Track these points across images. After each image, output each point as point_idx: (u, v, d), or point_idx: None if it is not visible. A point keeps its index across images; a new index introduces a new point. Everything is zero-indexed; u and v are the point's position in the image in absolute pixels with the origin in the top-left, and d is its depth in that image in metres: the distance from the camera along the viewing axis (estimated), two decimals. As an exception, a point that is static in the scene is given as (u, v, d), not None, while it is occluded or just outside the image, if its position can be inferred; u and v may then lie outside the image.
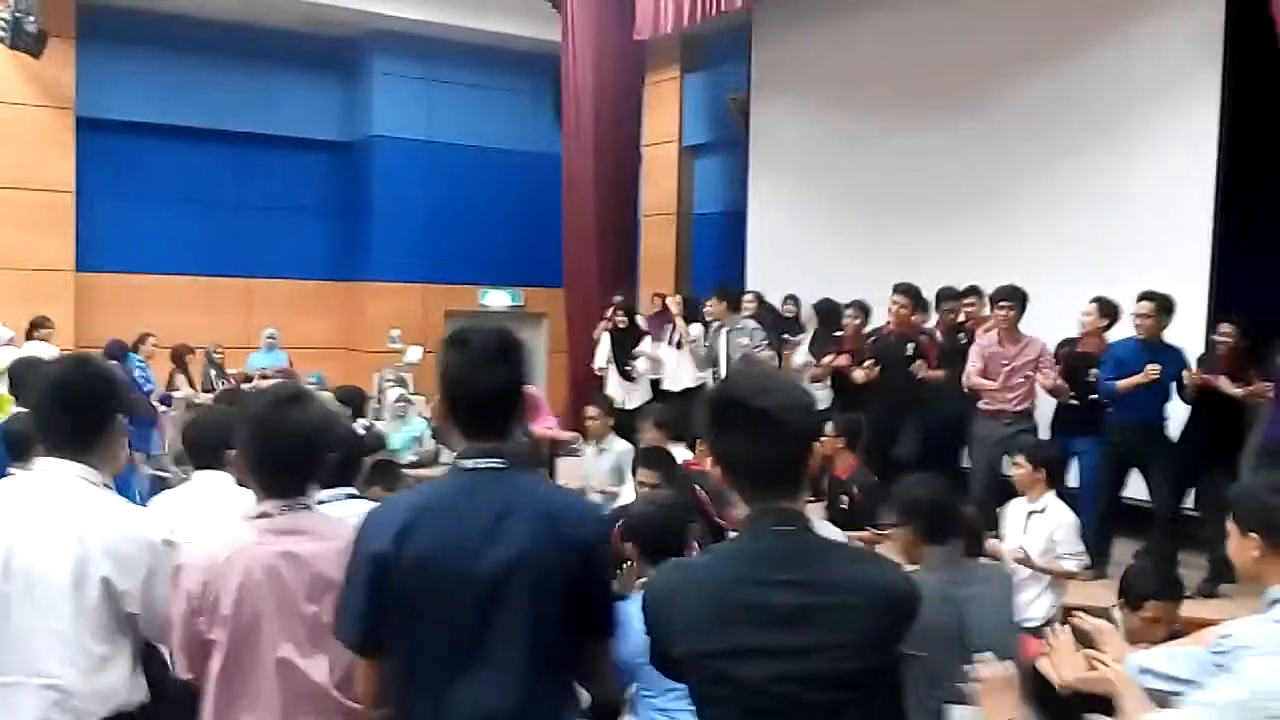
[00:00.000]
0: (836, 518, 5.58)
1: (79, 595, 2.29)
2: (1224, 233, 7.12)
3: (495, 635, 2.03)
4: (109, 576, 2.31)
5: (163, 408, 9.71)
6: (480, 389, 2.13)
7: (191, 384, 10.25)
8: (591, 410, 7.12)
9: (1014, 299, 6.71)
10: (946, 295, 7.66)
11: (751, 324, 8.26)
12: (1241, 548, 2.44)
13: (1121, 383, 6.31)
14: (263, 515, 2.34)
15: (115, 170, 12.02)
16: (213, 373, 10.60)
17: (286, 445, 2.32)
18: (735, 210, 11.72)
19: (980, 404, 6.89)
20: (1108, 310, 6.72)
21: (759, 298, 9.38)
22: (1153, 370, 6.16)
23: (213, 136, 12.57)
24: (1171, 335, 6.50)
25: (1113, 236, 7.66)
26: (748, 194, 11.10)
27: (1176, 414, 6.53)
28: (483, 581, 2.03)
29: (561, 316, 12.28)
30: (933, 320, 7.68)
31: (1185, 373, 6.32)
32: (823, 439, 5.33)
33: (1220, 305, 6.85)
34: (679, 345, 9.04)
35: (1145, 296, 6.42)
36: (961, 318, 7.63)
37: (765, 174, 10.93)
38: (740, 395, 1.92)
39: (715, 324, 8.44)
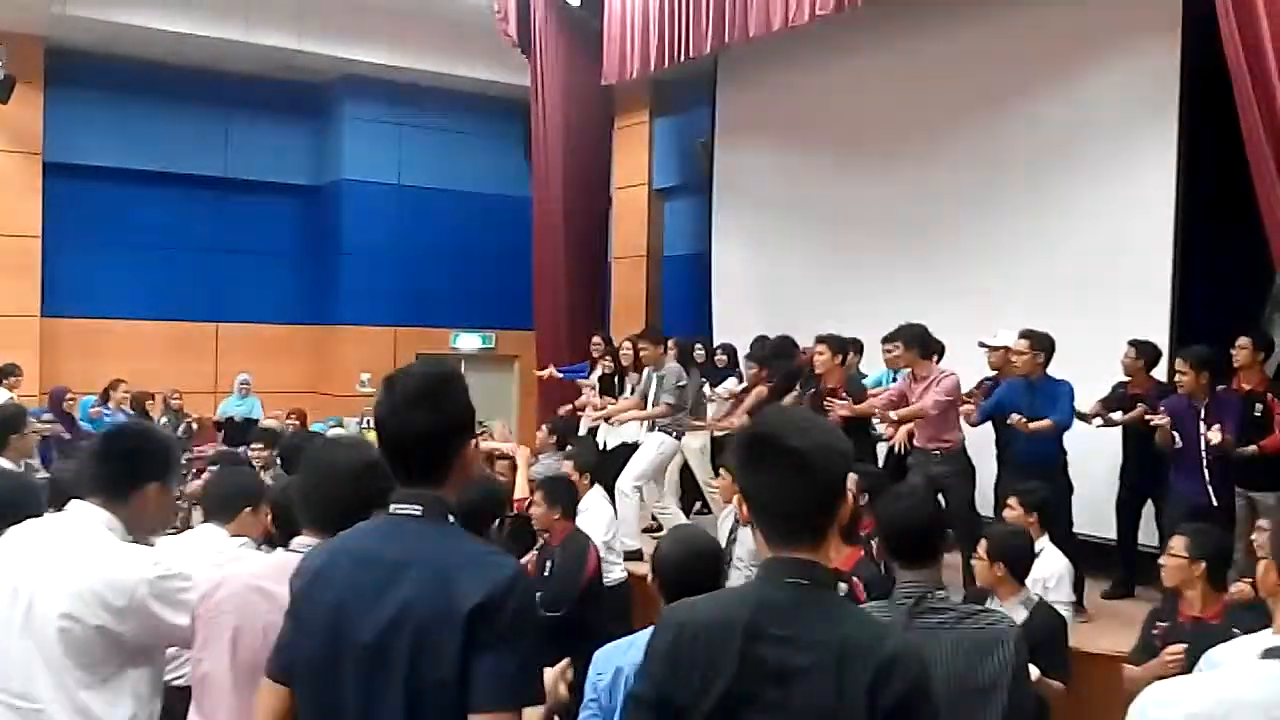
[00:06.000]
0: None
1: (68, 632, 2.35)
2: (1184, 262, 7.18)
3: (374, 702, 1.88)
4: (105, 615, 2.37)
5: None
6: (401, 432, 2.00)
7: None
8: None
9: (898, 337, 6.68)
10: None
11: (675, 367, 8.19)
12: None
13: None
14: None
15: (83, 215, 11.98)
16: (164, 419, 10.39)
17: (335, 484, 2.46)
18: (705, 252, 11.77)
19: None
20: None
21: (679, 344, 8.91)
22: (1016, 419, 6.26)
23: (181, 181, 12.57)
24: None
25: (1074, 273, 7.71)
26: (711, 238, 11.15)
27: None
28: (367, 638, 1.89)
29: (533, 358, 12.27)
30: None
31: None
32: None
33: (1182, 341, 6.87)
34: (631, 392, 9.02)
35: (1023, 335, 6.49)
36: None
37: (729, 217, 11.00)
38: (774, 432, 1.85)
39: (648, 369, 8.32)
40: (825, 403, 6.78)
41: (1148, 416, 6.24)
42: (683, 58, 9.55)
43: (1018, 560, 4.33)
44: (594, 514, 6.07)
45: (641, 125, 12.64)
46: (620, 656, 2.96)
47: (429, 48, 12.47)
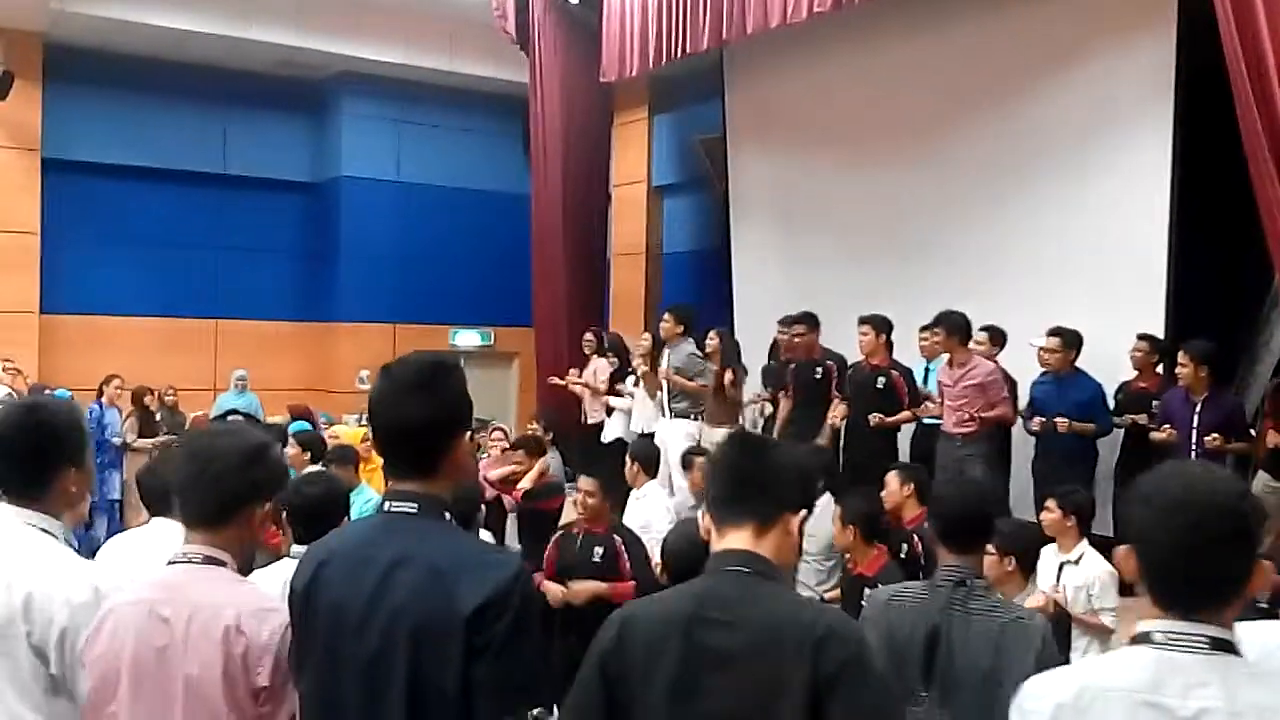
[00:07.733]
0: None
1: (6, 652, 2.17)
2: (1180, 260, 7.21)
3: (375, 704, 1.82)
4: (31, 633, 2.18)
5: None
6: (394, 421, 1.93)
7: (144, 427, 10.02)
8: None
9: (940, 324, 6.85)
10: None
11: (690, 345, 8.23)
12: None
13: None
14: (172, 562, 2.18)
15: (81, 212, 11.97)
16: (158, 415, 10.34)
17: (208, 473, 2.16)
18: (703, 249, 11.76)
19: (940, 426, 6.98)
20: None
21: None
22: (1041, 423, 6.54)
23: (180, 178, 12.56)
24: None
25: (1071, 270, 7.73)
26: (730, 235, 11.07)
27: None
28: (366, 641, 1.83)
29: (532, 355, 12.29)
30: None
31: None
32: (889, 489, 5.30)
33: (1179, 333, 6.91)
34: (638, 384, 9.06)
35: (1051, 333, 6.69)
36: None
37: (745, 214, 10.97)
38: (752, 435, 1.97)
39: (663, 345, 8.37)
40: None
41: (1152, 433, 6.32)
42: (681, 55, 9.54)
43: (1030, 554, 4.29)
44: (652, 501, 6.13)
45: (641, 122, 12.63)
46: None
47: (428, 44, 12.46)
